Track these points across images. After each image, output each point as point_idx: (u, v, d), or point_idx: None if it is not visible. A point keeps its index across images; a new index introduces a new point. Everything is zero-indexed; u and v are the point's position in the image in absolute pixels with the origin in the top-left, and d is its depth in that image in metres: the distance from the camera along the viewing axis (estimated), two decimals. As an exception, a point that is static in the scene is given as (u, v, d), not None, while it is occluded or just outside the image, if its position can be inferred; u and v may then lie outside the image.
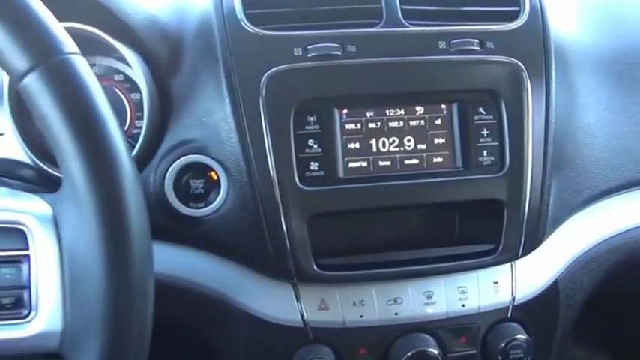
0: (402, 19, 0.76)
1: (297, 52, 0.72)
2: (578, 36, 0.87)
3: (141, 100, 0.78)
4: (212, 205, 0.74)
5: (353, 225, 0.77)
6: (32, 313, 0.51)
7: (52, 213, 0.52)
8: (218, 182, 0.74)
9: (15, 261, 0.51)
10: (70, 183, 0.47)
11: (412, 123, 0.75)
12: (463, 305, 0.78)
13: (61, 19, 0.52)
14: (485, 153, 0.76)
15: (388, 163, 0.75)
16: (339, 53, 0.73)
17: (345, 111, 0.74)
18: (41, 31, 0.48)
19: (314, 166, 0.72)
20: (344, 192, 0.73)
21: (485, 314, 0.79)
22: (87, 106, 0.47)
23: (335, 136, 0.73)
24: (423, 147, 0.75)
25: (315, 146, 0.72)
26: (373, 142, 0.74)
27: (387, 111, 0.75)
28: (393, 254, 0.76)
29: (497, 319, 0.80)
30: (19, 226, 0.52)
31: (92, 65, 0.81)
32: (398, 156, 0.75)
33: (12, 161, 0.76)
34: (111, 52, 0.78)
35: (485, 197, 0.75)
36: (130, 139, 0.79)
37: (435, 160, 0.75)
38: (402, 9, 0.76)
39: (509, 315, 0.80)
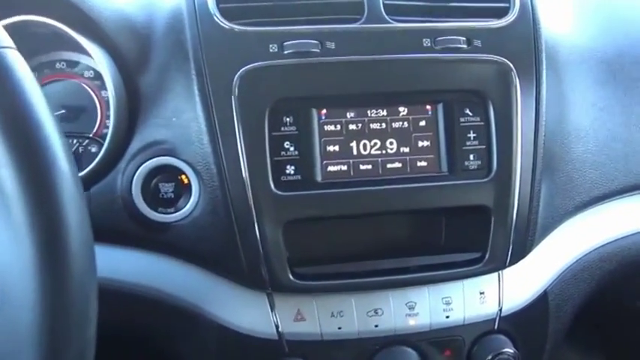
0: (385, 15, 0.74)
1: (273, 48, 0.70)
2: (571, 35, 0.85)
3: None
4: (182, 210, 0.72)
5: (331, 232, 0.75)
6: None
7: None
8: (189, 186, 0.72)
9: None
10: (0, 191, 0.43)
11: (395, 124, 0.73)
12: (447, 317, 0.76)
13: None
14: (471, 157, 0.74)
15: (369, 166, 0.72)
16: (318, 50, 0.71)
17: (324, 111, 0.72)
18: None
19: (290, 169, 0.70)
20: (322, 197, 0.71)
21: (471, 326, 0.77)
22: (19, 105, 0.43)
23: (313, 137, 0.71)
24: (406, 150, 0.73)
25: (292, 148, 0.70)
26: (353, 144, 0.72)
27: (369, 112, 0.73)
28: (373, 263, 0.74)
29: (483, 331, 0.78)
30: None
31: (57, 61, 0.79)
32: (380, 159, 0.73)
33: None
34: (80, 47, 0.75)
35: (471, 203, 0.73)
36: (100, 138, 0.77)
37: (418, 163, 0.73)
38: (384, 4, 0.74)
39: (495, 327, 0.78)
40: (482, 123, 0.73)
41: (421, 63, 0.73)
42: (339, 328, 0.74)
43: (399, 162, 0.73)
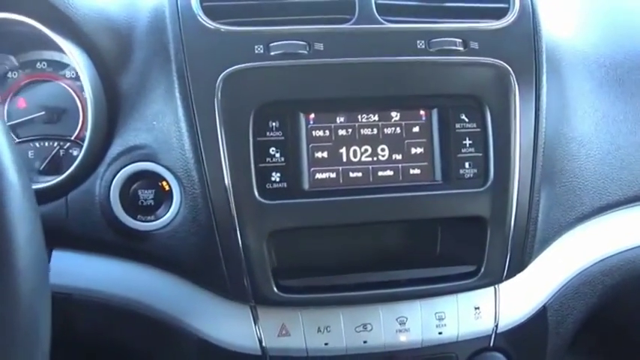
0: (377, 15, 0.72)
1: (259, 49, 0.69)
2: (573, 39, 0.83)
3: None
4: (163, 219, 0.70)
5: (319, 243, 0.73)
6: None
7: None
8: (170, 193, 0.70)
9: None
10: None
11: (387, 130, 0.71)
12: (440, 333, 0.74)
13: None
14: (467, 165, 0.72)
15: (359, 174, 0.70)
16: (306, 52, 0.69)
17: (313, 116, 0.70)
18: None
19: (276, 176, 0.69)
20: (309, 206, 0.69)
21: (465, 343, 0.75)
22: None
23: (300, 143, 0.70)
24: (399, 157, 0.71)
25: (278, 155, 0.69)
26: (343, 150, 0.70)
27: (359, 117, 0.71)
28: (362, 275, 0.72)
29: (477, 348, 0.76)
30: None
31: (38, 61, 0.78)
32: (370, 167, 0.71)
33: None
34: (60, 46, 0.73)
35: (467, 214, 0.72)
36: (82, 141, 0.75)
37: (411, 171, 0.71)
38: (376, 3, 0.72)
39: (491, 344, 0.77)
40: (478, 129, 0.72)
41: (415, 66, 0.71)
42: (326, 344, 0.72)
43: (391, 170, 0.71)
